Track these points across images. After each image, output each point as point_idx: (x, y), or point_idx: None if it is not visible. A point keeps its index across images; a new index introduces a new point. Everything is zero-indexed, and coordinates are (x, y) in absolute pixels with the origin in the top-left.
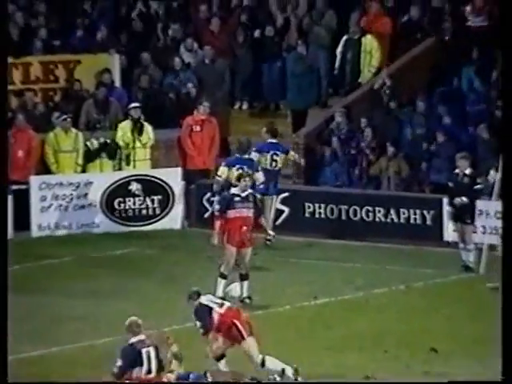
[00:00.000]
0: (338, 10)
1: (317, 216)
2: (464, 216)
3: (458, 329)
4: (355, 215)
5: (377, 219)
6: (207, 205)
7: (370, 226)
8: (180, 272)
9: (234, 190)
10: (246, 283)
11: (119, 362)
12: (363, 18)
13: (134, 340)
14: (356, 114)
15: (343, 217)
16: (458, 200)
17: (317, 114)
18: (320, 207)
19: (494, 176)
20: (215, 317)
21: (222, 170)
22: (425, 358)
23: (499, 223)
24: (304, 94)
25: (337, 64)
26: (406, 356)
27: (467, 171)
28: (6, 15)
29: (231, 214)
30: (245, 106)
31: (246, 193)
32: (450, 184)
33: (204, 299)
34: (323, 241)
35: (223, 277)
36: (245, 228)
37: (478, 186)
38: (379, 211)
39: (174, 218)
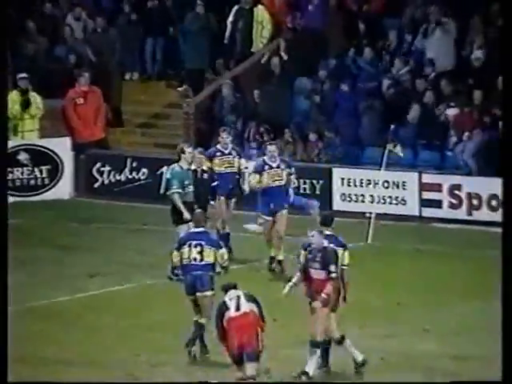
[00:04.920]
0: None
1: None
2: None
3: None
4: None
5: None
6: (97, 175)
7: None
8: (69, 242)
9: None
10: None
11: None
12: None
13: None
14: (246, 84)
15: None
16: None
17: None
18: None
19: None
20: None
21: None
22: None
23: (387, 192)
24: (199, 53)
25: (227, 33)
26: (295, 325)
27: (204, 167)
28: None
29: None
30: (135, 76)
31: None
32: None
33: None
34: None
35: None
36: None
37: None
38: None
39: (63, 189)
